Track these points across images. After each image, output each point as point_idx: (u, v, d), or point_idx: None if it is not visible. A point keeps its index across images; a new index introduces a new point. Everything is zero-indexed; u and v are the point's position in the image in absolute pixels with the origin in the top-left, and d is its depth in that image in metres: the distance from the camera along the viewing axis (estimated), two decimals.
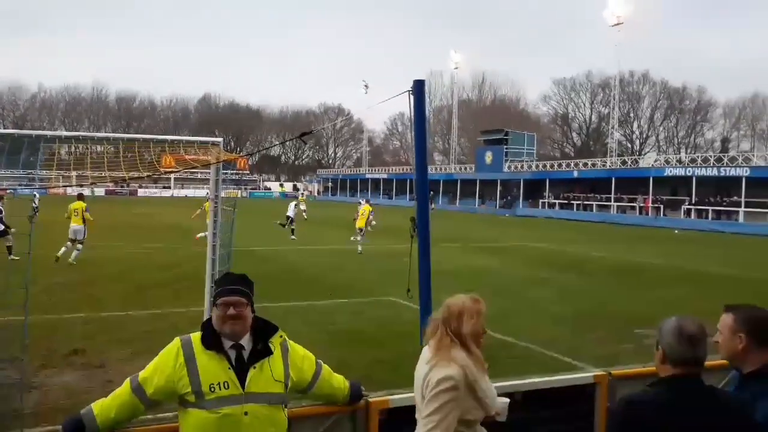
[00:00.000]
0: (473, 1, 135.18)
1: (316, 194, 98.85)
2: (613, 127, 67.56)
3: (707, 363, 2.37)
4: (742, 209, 42.17)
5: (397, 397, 3.48)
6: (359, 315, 11.06)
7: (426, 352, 2.93)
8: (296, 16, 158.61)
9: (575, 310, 12.14)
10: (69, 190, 31.93)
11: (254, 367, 2.68)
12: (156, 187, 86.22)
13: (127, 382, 2.72)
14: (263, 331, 2.77)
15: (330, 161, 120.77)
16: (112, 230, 22.92)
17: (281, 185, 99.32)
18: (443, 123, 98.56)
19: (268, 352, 2.73)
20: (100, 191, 64.58)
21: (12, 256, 15.87)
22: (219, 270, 6.24)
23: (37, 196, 30.82)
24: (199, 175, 71.75)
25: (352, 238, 23.77)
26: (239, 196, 53.12)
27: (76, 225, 16.75)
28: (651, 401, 2.32)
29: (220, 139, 6.43)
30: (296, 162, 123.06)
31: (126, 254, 17.89)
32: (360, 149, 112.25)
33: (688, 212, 45.49)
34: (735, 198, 43.47)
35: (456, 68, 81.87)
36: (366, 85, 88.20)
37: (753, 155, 54.63)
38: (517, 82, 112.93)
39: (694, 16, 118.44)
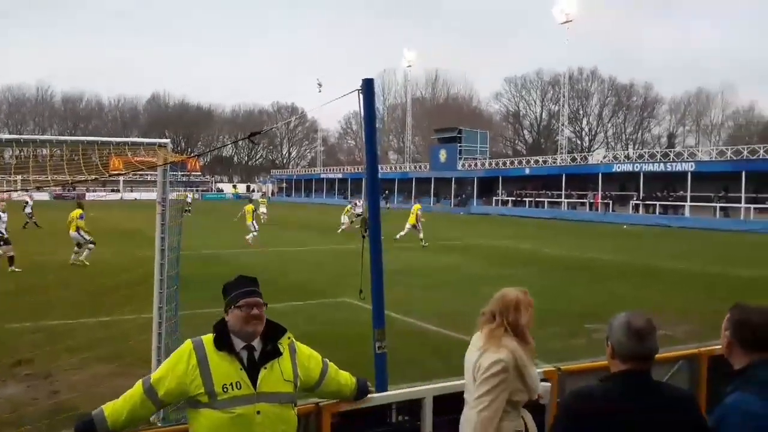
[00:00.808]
0: (426, 1, 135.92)
1: (270, 195, 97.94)
2: (563, 125, 68.87)
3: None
4: (687, 203, 43.44)
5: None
6: (312, 318, 10.98)
7: (477, 340, 3.24)
8: (248, 13, 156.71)
9: None
10: (14, 195, 30.91)
11: (265, 368, 2.77)
12: (104, 191, 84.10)
13: (139, 384, 2.79)
14: (272, 332, 2.88)
15: (284, 161, 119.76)
16: (60, 235, 22.26)
17: (234, 186, 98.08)
18: (398, 121, 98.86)
19: (278, 353, 2.84)
20: (43, 196, 62.60)
21: (13, 268, 15.71)
22: (168, 275, 6.10)
23: (30, 202, 29.92)
24: (149, 178, 70.16)
25: (397, 236, 24.94)
26: (191, 197, 52.03)
27: (71, 232, 17.19)
28: (599, 396, 2.34)
29: (167, 141, 6.27)
30: (249, 162, 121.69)
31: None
32: (314, 149, 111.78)
33: (636, 207, 46.65)
34: (681, 193, 44.75)
35: (409, 66, 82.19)
36: (320, 84, 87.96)
37: (698, 150, 56.43)
38: (470, 80, 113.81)
39: (640, 13, 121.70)
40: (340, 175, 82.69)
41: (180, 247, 6.34)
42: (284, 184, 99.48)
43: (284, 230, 32.07)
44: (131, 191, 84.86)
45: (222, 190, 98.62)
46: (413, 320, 10.74)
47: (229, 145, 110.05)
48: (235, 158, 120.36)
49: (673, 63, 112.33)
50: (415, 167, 74.96)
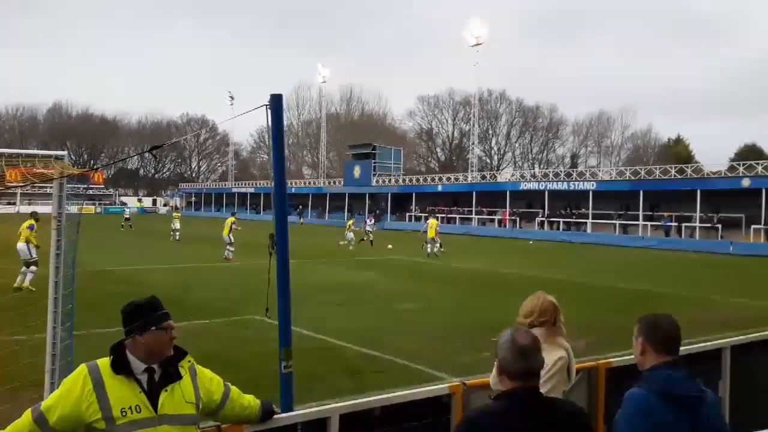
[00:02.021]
0: (341, 17, 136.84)
1: (176, 209, 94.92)
2: (473, 143, 70.75)
3: None
4: (589, 220, 45.61)
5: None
6: (219, 336, 10.68)
7: None
8: (158, 22, 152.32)
9: (439, 321, 12.49)
10: None
11: (166, 390, 2.70)
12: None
13: (27, 413, 2.63)
14: (173, 355, 2.81)
15: (194, 175, 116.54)
16: None
17: (140, 200, 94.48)
18: (312, 136, 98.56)
19: (179, 376, 2.78)
20: None
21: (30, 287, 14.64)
22: (63, 293, 5.77)
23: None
24: (48, 190, 66.54)
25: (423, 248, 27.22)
26: (128, 212, 49.61)
27: (19, 243, 16.14)
28: (491, 417, 2.35)
29: (63, 153, 5.95)
30: (156, 176, 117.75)
31: None
32: (226, 162, 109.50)
33: (541, 224, 48.49)
34: (583, 210, 46.95)
35: (324, 82, 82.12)
36: (231, 97, 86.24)
37: (599, 170, 59.47)
38: (385, 98, 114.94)
39: (545, 38, 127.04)
40: (252, 190, 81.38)
41: (76, 265, 6.02)
42: (193, 198, 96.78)
43: (191, 246, 31.16)
44: (29, 204, 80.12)
45: (125, 204, 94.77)
46: (325, 337, 10.65)
47: (134, 157, 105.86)
48: (141, 171, 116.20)
49: (576, 86, 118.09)
50: (330, 182, 74.91)
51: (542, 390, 3.09)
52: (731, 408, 5.37)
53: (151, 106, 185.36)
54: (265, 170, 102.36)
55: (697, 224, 40.06)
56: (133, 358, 2.71)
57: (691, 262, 29.20)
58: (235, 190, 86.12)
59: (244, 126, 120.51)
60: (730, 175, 42.82)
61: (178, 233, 35.72)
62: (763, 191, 36.90)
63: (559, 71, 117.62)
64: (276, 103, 4.26)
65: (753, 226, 36.82)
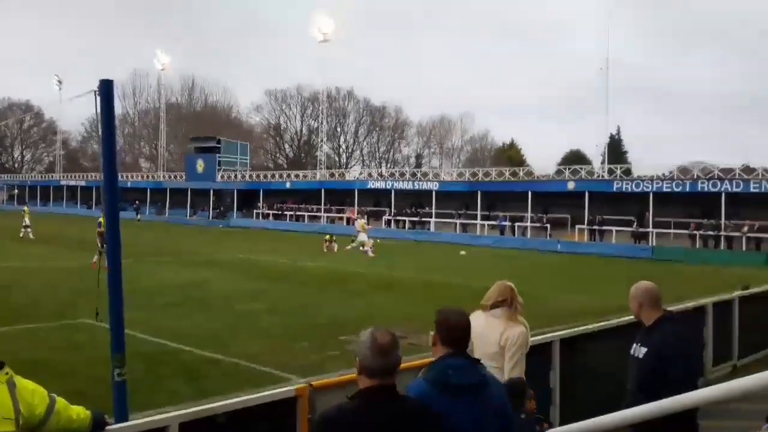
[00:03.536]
0: (181, 2, 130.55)
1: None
2: (322, 141, 70.98)
3: None
4: (432, 219, 47.50)
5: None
6: (47, 342, 9.82)
7: (490, 319, 4.22)
8: None
9: (285, 321, 12.33)
10: None
11: None
12: None
13: None
14: None
15: (16, 165, 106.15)
16: None
17: None
18: (150, 127, 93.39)
19: None
20: None
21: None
22: None
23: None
24: None
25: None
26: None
27: None
28: (346, 416, 2.37)
29: None
30: None
31: None
32: (53, 152, 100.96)
33: (388, 222, 49.73)
34: (427, 209, 48.80)
35: (163, 69, 77.81)
36: (59, 81, 79.32)
37: (441, 171, 62.06)
38: (230, 90, 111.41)
39: (387, 38, 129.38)
40: (83, 183, 75.54)
41: None
42: (16, 191, 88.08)
43: (4, 242, 28.38)
44: None
45: None
46: (163, 341, 10.11)
47: None
48: None
49: (419, 89, 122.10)
50: (170, 177, 71.45)
51: (510, 361, 4.10)
52: (561, 396, 5.76)
53: None
54: (97, 162, 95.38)
55: (529, 224, 43.12)
56: None
57: (523, 259, 31.34)
58: (63, 182, 79.59)
59: (74, 114, 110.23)
60: (557, 178, 46.58)
61: (30, 230, 32.02)
62: (586, 193, 40.48)
63: (401, 73, 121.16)
64: (105, 88, 3.94)
65: (578, 226, 40.19)
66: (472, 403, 2.63)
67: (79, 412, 2.99)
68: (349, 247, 28.97)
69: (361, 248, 28.74)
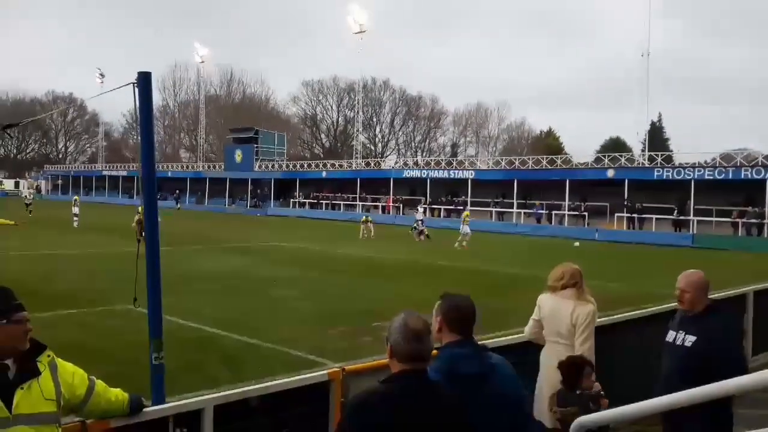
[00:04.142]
0: None
1: (44, 192, 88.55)
2: (357, 131, 71.11)
3: None
4: (468, 208, 47.15)
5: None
6: (86, 327, 10.07)
7: (560, 300, 4.49)
8: None
9: (320, 308, 12.44)
10: None
11: (22, 388, 2.53)
12: None
13: None
14: (31, 349, 2.63)
15: (60, 156, 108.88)
16: None
17: (0, 183, 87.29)
18: (190, 118, 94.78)
19: (37, 372, 2.60)
20: None
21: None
22: None
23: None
24: None
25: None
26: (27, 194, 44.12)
27: None
28: (378, 399, 2.37)
29: None
30: (19, 156, 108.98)
31: None
32: (95, 143, 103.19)
33: (423, 211, 49.61)
34: (462, 198, 48.56)
35: (202, 62, 78.89)
36: (101, 74, 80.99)
37: (477, 160, 61.67)
38: (267, 81, 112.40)
39: (425, 29, 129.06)
40: (124, 173, 77.23)
41: None
42: (60, 181, 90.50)
43: (50, 231, 29.18)
44: None
45: None
46: (201, 326, 10.30)
47: None
48: (1, 151, 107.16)
49: (455, 78, 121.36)
50: (209, 167, 72.56)
51: (580, 337, 4.36)
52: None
53: (11, 82, 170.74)
54: (138, 153, 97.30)
55: (566, 212, 42.56)
56: None
57: (560, 247, 30.97)
58: (105, 172, 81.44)
59: (116, 106, 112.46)
60: (596, 166, 45.85)
61: (77, 220, 33.15)
62: (626, 181, 39.76)
63: (437, 63, 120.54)
64: (144, 81, 4.00)
65: (617, 214, 39.54)
66: (474, 395, 2.59)
67: (117, 395, 3.07)
68: (456, 245, 28.00)
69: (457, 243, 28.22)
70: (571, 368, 4.11)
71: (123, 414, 3.11)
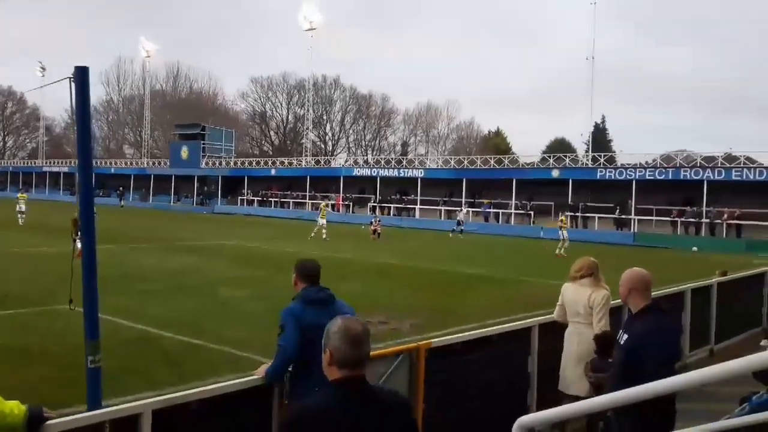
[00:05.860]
0: None
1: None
2: (307, 128, 70.65)
3: None
4: (417, 206, 47.56)
5: (71, 418, 3.15)
6: (27, 328, 9.70)
7: (578, 287, 5.38)
8: None
9: (269, 307, 12.26)
10: None
11: None
12: None
13: None
14: None
15: None
16: None
17: None
18: (135, 113, 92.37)
19: None
20: None
21: None
22: None
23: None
24: None
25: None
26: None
27: None
28: (319, 412, 2.30)
29: None
30: None
31: None
32: (36, 139, 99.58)
33: (373, 209, 49.68)
34: (412, 196, 48.83)
35: (148, 57, 77.09)
36: (43, 68, 78.26)
37: (427, 159, 62.10)
38: (215, 77, 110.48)
39: (372, 27, 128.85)
40: (66, 169, 74.75)
41: None
42: None
43: None
44: None
45: None
46: (144, 326, 10.03)
47: None
48: None
49: (405, 77, 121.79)
50: (154, 163, 70.92)
51: (596, 316, 5.21)
52: (539, 380, 5.80)
53: None
54: None
55: (513, 211, 43.29)
56: None
57: (506, 245, 31.46)
58: (46, 168, 78.79)
59: (58, 100, 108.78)
60: (541, 166, 46.74)
61: (22, 218, 31.78)
62: (570, 181, 40.68)
63: (388, 62, 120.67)
64: (81, 75, 3.87)
65: (560, 213, 40.45)
66: (325, 311, 3.69)
67: (13, 407, 2.92)
68: (558, 251, 26.18)
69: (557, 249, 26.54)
70: (606, 340, 4.90)
71: (19, 428, 2.92)
